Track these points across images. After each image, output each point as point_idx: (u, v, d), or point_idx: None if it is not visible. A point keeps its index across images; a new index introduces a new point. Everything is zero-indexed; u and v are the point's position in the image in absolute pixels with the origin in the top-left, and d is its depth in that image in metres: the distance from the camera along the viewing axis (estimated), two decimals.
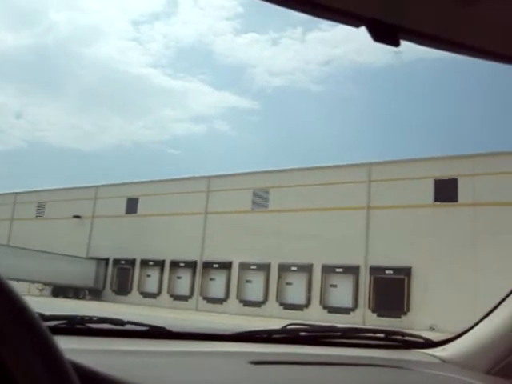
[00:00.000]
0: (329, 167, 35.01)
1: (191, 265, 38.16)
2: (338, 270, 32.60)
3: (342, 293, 32.46)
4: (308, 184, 34.44)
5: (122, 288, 40.99)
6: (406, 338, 2.03)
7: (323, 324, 2.34)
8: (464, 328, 1.91)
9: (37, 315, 0.65)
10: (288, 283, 34.50)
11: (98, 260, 41.54)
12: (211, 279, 37.67)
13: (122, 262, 41.18)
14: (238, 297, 36.12)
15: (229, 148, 66.44)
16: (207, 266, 37.66)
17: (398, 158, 33.24)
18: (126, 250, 39.73)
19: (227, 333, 1.81)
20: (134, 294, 40.07)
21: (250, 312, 32.62)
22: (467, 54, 0.88)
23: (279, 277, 34.72)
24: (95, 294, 40.66)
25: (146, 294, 39.46)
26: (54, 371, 0.64)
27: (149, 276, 40.23)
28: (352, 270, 32.32)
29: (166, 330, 1.70)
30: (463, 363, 1.77)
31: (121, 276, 41.33)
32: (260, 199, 37.32)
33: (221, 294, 36.81)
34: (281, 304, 34.19)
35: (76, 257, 40.15)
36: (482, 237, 28.03)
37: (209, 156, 61.18)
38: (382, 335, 1.99)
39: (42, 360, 0.63)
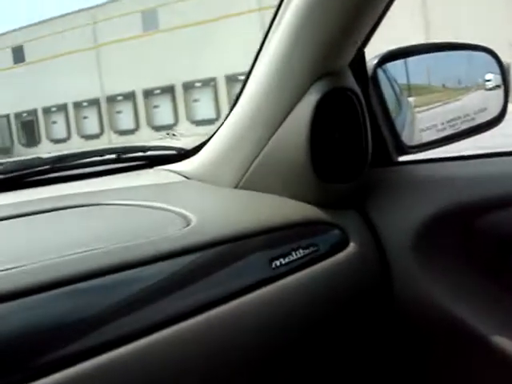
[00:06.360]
0: None
1: (94, 102, 37.53)
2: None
3: None
4: None
5: (31, 140, 40.32)
6: (148, 153, 1.45)
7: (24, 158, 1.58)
8: (206, 137, 1.36)
9: None
10: None
11: None
12: (118, 112, 37.36)
13: (24, 114, 40.16)
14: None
15: None
16: (112, 100, 37.21)
17: None
18: (25, 103, 38.53)
19: None
20: (44, 143, 39.50)
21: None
22: None
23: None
24: (5, 152, 39.81)
25: (56, 141, 38.93)
26: None
27: (55, 123, 39.55)
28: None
29: None
30: (208, 178, 1.30)
31: (26, 129, 40.55)
32: (151, 18, 35.86)
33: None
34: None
35: None
36: None
37: None
38: (112, 156, 1.39)
39: None
